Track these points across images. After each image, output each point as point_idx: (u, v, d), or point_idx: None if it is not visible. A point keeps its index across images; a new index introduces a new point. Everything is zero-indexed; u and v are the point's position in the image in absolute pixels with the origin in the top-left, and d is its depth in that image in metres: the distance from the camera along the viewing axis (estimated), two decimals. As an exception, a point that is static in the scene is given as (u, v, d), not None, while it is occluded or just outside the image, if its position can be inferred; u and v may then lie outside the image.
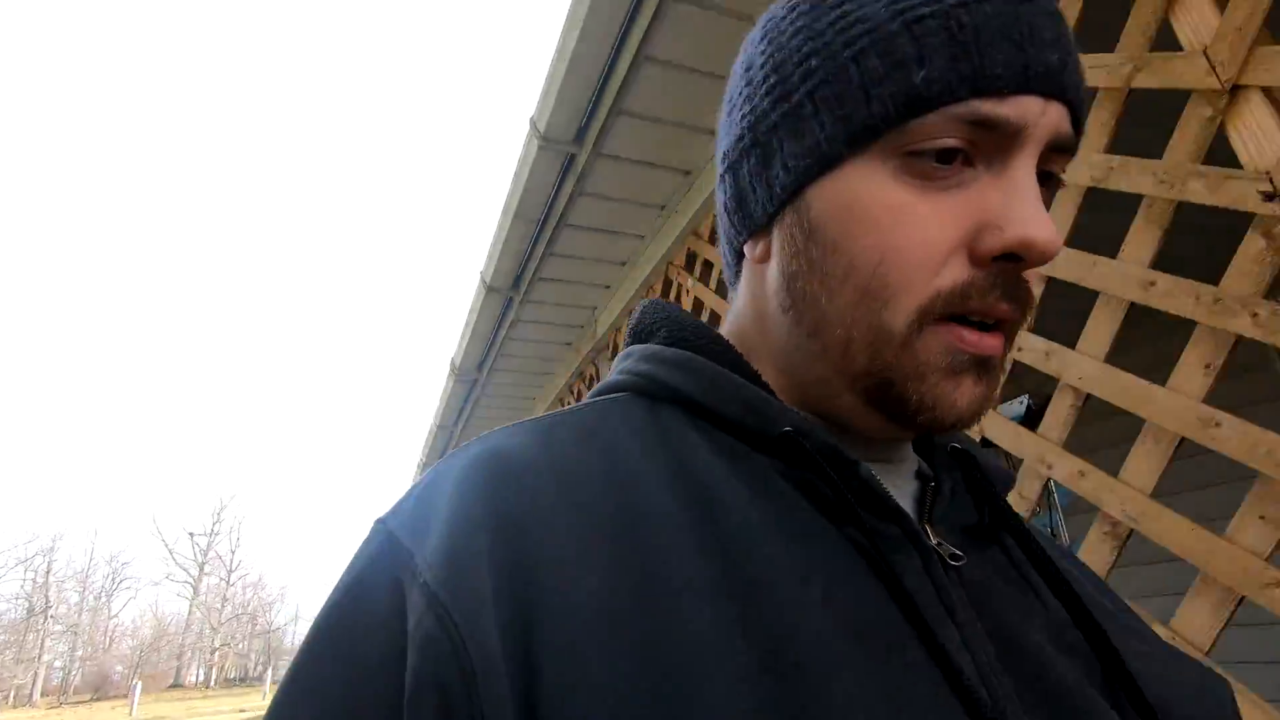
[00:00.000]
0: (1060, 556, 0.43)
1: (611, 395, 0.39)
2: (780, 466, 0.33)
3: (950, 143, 0.31)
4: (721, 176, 0.40)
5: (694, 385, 0.36)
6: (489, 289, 2.91)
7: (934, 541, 0.33)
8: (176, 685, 39.45)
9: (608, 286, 2.94)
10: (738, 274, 0.43)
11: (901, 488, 0.38)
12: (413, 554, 0.28)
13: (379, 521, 0.31)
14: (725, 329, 0.43)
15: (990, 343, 0.32)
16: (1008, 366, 0.36)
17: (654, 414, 0.36)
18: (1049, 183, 0.35)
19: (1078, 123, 0.34)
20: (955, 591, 0.31)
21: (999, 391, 0.34)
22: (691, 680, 0.24)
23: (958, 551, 0.33)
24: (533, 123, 2.11)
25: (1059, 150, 0.33)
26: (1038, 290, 0.36)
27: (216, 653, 41.25)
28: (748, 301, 0.41)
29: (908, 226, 0.31)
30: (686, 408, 0.37)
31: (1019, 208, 0.31)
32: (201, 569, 42.22)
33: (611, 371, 0.42)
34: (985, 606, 0.32)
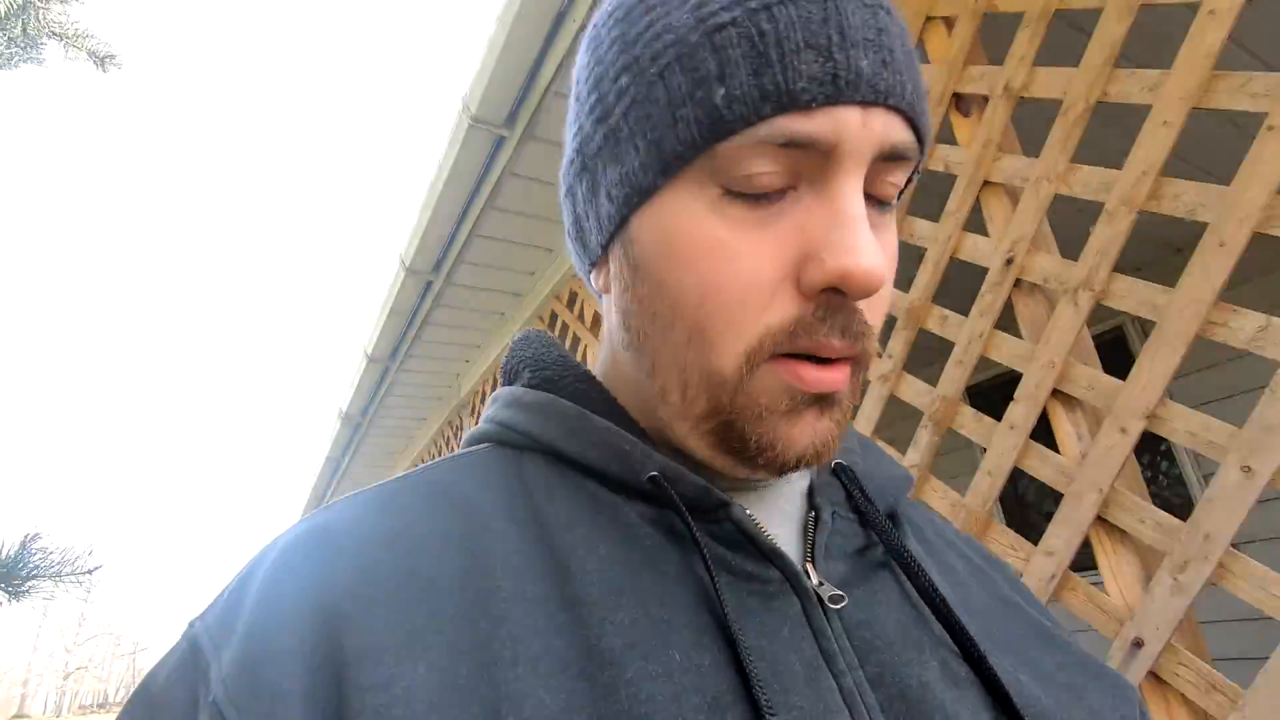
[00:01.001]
0: (962, 550, 0.40)
1: (475, 448, 0.37)
2: (650, 513, 0.31)
3: (763, 181, 0.28)
4: (562, 201, 0.38)
5: (555, 431, 0.34)
6: (370, 360, 3.64)
7: (815, 582, 0.31)
8: (21, 716, 35.88)
9: (467, 361, 3.75)
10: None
11: (786, 515, 0.35)
12: (209, 665, 0.25)
13: (190, 623, 0.28)
14: (597, 361, 0.40)
15: (831, 378, 0.29)
16: (859, 397, 0.37)
17: (517, 466, 0.34)
18: (889, 194, 0.31)
19: (917, 126, 0.30)
20: (836, 636, 0.29)
21: (847, 425, 0.32)
22: None
23: (838, 592, 0.31)
24: (401, 259, 2.89)
25: (894, 160, 0.29)
26: (879, 319, 0.31)
27: (70, 677, 37.84)
28: (606, 334, 0.38)
29: (726, 263, 0.29)
30: (550, 456, 0.34)
31: (837, 236, 0.27)
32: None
33: (480, 419, 0.39)
34: (870, 649, 0.30)
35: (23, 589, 1.10)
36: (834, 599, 0.30)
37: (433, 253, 2.80)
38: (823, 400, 0.30)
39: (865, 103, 0.28)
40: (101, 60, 1.43)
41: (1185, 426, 0.92)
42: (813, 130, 0.27)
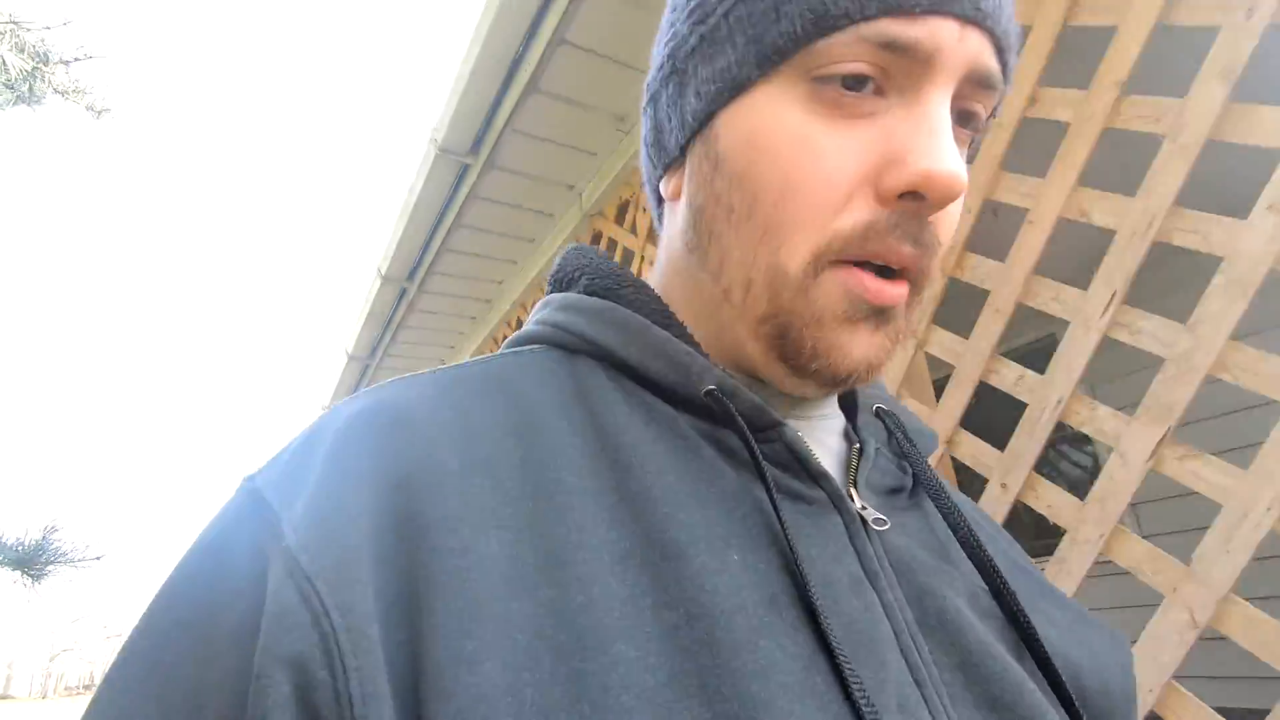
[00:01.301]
0: (975, 518, 0.42)
1: (525, 347, 0.36)
2: (703, 427, 0.32)
3: (857, 68, 0.29)
4: (644, 110, 0.38)
5: (613, 338, 0.34)
6: (351, 358, 3.87)
7: (858, 505, 0.32)
8: (6, 697, 36.00)
9: (441, 360, 3.98)
10: (662, 218, 0.40)
11: (828, 448, 0.36)
12: (279, 516, 0.24)
13: (247, 479, 0.27)
14: (651, 278, 0.40)
15: (891, 292, 0.30)
16: (915, 319, 0.33)
17: (570, 367, 0.34)
18: (971, 122, 0.32)
19: (1004, 60, 0.31)
20: (878, 556, 0.31)
21: (899, 343, 0.33)
22: (600, 649, 0.23)
23: (881, 516, 0.32)
24: (378, 269, 3.11)
25: (981, 85, 0.31)
26: (947, 237, 0.32)
27: (56, 659, 37.93)
28: (664, 246, 0.39)
29: (811, 160, 0.30)
30: (605, 361, 0.34)
31: (923, 141, 0.28)
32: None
33: (528, 321, 0.39)
34: (907, 571, 0.31)
35: (43, 573, 1.33)
36: (877, 521, 0.32)
37: (406, 264, 3.02)
38: (880, 314, 0.31)
39: (964, 18, 0.29)
40: (99, 113, 1.63)
41: (969, 450, 1.17)
42: (914, 35, 0.28)
